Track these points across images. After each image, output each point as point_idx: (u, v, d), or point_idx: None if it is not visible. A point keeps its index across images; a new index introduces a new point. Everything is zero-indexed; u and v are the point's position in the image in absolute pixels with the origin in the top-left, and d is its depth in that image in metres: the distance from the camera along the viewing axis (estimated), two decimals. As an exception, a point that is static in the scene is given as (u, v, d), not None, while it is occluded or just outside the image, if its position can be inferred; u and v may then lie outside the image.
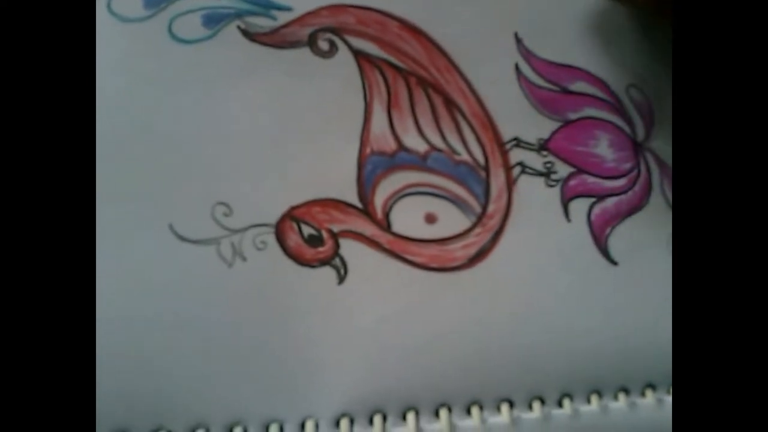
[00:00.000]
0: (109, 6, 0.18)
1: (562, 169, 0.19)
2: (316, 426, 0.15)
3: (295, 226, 0.17)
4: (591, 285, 0.18)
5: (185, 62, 0.18)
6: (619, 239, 0.19)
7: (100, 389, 0.14)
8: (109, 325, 0.15)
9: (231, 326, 0.16)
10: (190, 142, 0.17)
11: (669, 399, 0.17)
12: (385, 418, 0.16)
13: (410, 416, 0.16)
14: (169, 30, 0.18)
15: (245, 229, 0.17)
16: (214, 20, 0.19)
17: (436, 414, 0.16)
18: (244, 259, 0.16)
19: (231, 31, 0.19)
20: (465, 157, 0.19)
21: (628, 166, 0.20)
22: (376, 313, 0.17)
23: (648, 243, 0.19)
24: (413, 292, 0.17)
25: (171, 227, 0.16)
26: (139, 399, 0.15)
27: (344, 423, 0.15)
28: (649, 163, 0.20)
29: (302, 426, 0.15)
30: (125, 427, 0.14)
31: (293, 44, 0.19)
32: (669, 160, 0.21)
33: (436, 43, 0.20)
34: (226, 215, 0.17)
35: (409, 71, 0.19)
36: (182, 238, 0.16)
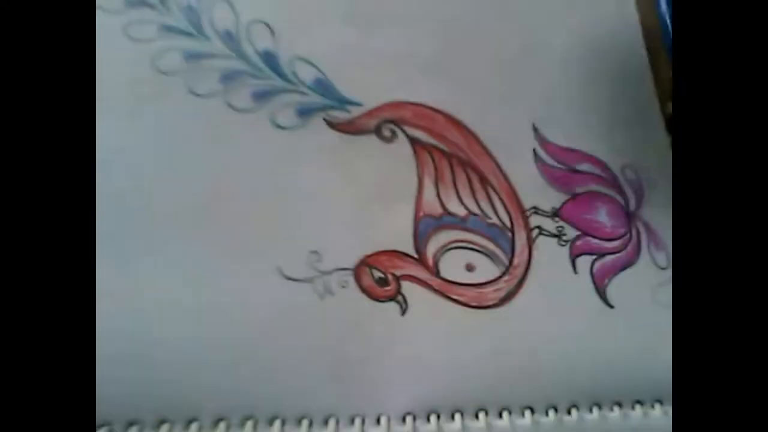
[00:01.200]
0: (226, 98, 0.24)
1: (571, 232, 0.25)
2: (388, 420, 0.20)
3: (368, 270, 0.22)
4: (592, 322, 0.23)
5: (285, 143, 0.24)
6: (614, 288, 0.24)
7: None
8: (232, 342, 0.20)
9: (323, 342, 0.21)
10: (291, 207, 0.23)
11: (654, 411, 0.22)
12: (438, 418, 0.21)
13: (457, 417, 0.21)
14: (271, 118, 0.24)
15: (332, 271, 0.22)
16: (305, 112, 0.25)
17: (476, 416, 0.21)
18: (332, 294, 0.22)
19: (318, 121, 0.25)
20: (495, 220, 0.24)
21: (622, 231, 0.26)
22: (430, 338, 0.22)
23: (637, 291, 0.24)
24: (457, 323, 0.22)
25: (280, 270, 0.22)
26: (261, 401, 0.20)
27: (409, 419, 0.20)
28: (639, 229, 0.26)
29: (377, 420, 0.20)
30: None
31: (364, 132, 0.25)
32: (656, 227, 0.26)
33: (473, 133, 0.26)
34: (317, 261, 0.22)
35: (451, 154, 0.25)
36: (288, 278, 0.21)
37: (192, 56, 0.24)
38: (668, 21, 0.32)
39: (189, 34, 0.24)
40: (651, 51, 0.30)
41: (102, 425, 0.19)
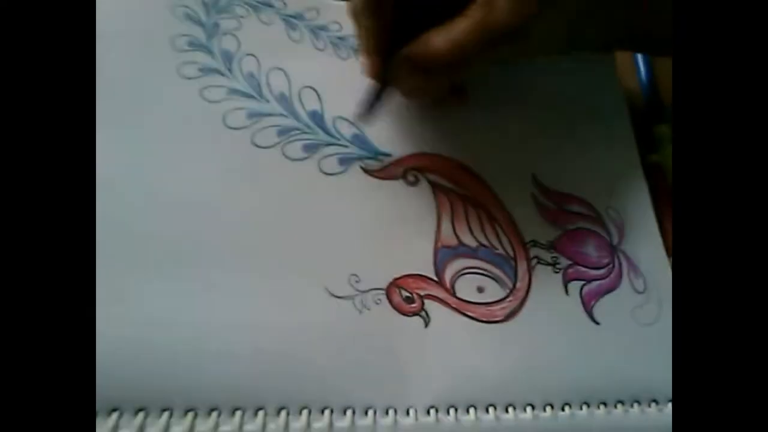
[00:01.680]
0: (282, 149, 0.29)
1: (564, 262, 0.30)
2: (416, 412, 0.25)
3: (397, 290, 0.27)
4: (581, 336, 0.28)
5: (330, 187, 0.29)
6: (600, 308, 0.29)
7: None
8: (281, 353, 0.25)
9: (362, 348, 0.26)
10: (334, 238, 0.28)
11: (633, 409, 0.27)
12: (456, 411, 0.25)
13: (471, 411, 0.25)
14: (318, 166, 0.30)
15: (368, 291, 0.27)
16: (345, 161, 0.30)
17: (487, 410, 0.26)
18: (368, 309, 0.27)
19: (356, 169, 0.30)
20: (501, 251, 0.29)
21: (606, 261, 0.31)
22: (448, 347, 0.27)
23: (619, 311, 0.29)
24: (471, 335, 0.27)
25: (327, 289, 0.27)
26: (310, 396, 0.24)
27: (432, 412, 0.25)
28: (620, 260, 0.31)
29: (407, 412, 0.25)
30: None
31: (393, 177, 0.30)
32: (635, 258, 0.31)
33: (482, 179, 0.31)
34: (356, 282, 0.27)
35: (464, 195, 0.30)
36: (333, 295, 0.26)
37: (254, 115, 0.30)
38: (647, 84, 0.38)
39: (251, 97, 0.30)
40: (633, 110, 0.36)
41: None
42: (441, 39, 0.26)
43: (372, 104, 0.28)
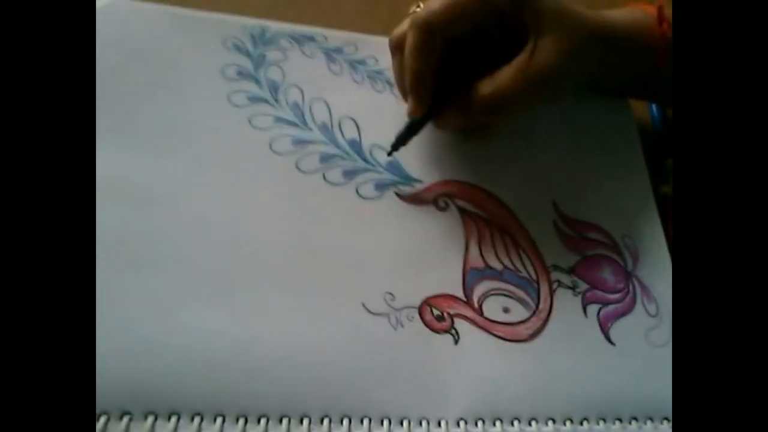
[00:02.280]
0: (324, 175, 0.32)
1: (582, 286, 0.32)
2: (447, 423, 0.27)
3: (428, 308, 0.30)
4: (598, 355, 0.30)
5: (367, 210, 0.31)
6: (616, 330, 0.31)
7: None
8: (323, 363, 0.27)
9: (397, 362, 0.28)
10: (371, 258, 0.30)
11: (647, 426, 0.29)
12: (483, 423, 0.27)
13: (497, 423, 0.27)
14: (356, 191, 0.32)
15: (402, 308, 0.29)
16: (381, 186, 0.32)
17: (512, 423, 0.28)
18: (402, 326, 0.29)
19: (390, 194, 0.32)
20: (525, 274, 0.32)
21: (622, 285, 0.33)
22: (477, 363, 0.29)
23: (633, 333, 0.31)
24: (497, 352, 0.29)
25: (364, 305, 0.29)
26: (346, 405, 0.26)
27: (462, 424, 0.27)
28: (635, 284, 0.33)
29: (438, 423, 0.27)
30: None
31: (424, 202, 0.32)
32: (648, 283, 0.33)
33: (507, 206, 0.33)
34: (391, 300, 0.29)
35: (490, 221, 0.33)
36: (370, 312, 0.29)
37: (298, 142, 0.32)
38: (659, 119, 0.40)
39: (295, 125, 0.32)
40: (645, 144, 0.38)
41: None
42: (487, 87, 0.29)
43: (408, 138, 0.31)
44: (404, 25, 0.30)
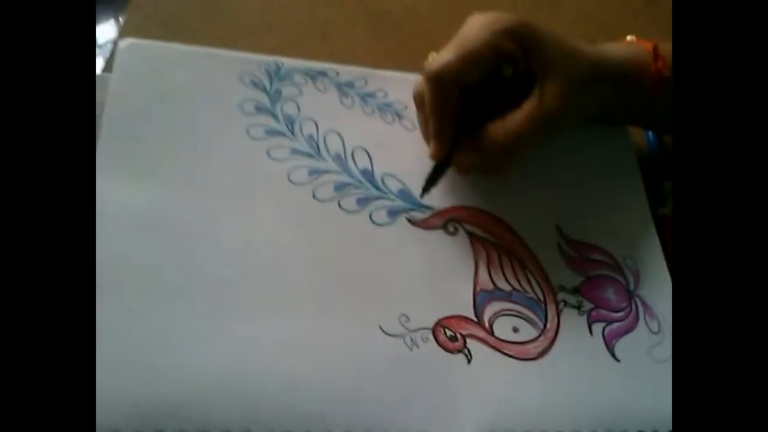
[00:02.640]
0: (339, 203, 0.33)
1: (587, 305, 0.34)
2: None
3: (442, 330, 0.31)
4: (604, 372, 0.32)
5: (380, 236, 0.33)
6: (620, 347, 0.33)
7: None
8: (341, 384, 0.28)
9: (413, 381, 0.29)
10: (386, 282, 0.31)
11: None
12: (497, 439, 0.29)
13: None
14: (370, 217, 0.33)
15: (417, 330, 0.31)
16: (393, 213, 0.34)
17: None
18: (417, 346, 0.30)
19: (402, 220, 0.34)
20: (532, 295, 0.33)
21: (624, 304, 0.34)
22: (489, 381, 0.30)
23: (637, 350, 0.33)
24: (508, 370, 0.30)
25: (381, 327, 0.30)
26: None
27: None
28: (637, 303, 0.35)
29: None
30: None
31: (435, 228, 0.34)
32: (650, 302, 0.35)
33: (514, 230, 0.35)
34: (406, 321, 0.31)
35: (498, 245, 0.34)
36: (387, 333, 0.30)
37: (314, 172, 0.34)
38: (655, 145, 0.42)
39: (311, 156, 0.34)
40: (643, 169, 0.40)
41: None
42: (500, 131, 0.32)
43: (436, 179, 0.33)
44: (421, 79, 0.33)
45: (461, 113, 0.32)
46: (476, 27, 0.31)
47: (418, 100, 0.34)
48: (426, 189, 0.34)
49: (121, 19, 1.53)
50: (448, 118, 0.32)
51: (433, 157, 0.33)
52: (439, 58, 0.31)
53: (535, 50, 0.31)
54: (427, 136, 0.35)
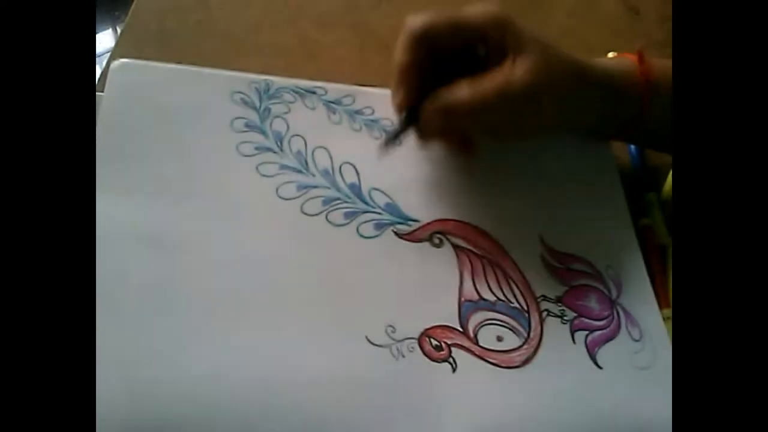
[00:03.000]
0: (327, 217, 0.34)
1: (570, 314, 0.34)
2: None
3: (427, 339, 0.32)
4: (587, 378, 0.32)
5: (368, 249, 0.34)
6: (602, 354, 0.33)
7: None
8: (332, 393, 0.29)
9: (399, 390, 0.30)
10: (373, 293, 0.32)
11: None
12: (482, 446, 0.29)
13: (496, 445, 0.29)
14: (357, 231, 0.34)
15: (402, 340, 0.31)
16: (380, 226, 0.35)
17: (508, 444, 0.30)
18: (403, 356, 0.31)
19: (389, 233, 0.35)
20: (516, 305, 0.34)
21: (606, 313, 0.35)
22: (474, 389, 0.31)
23: (619, 357, 0.33)
24: (492, 378, 0.31)
25: (367, 338, 0.31)
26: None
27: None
28: (619, 312, 0.35)
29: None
30: None
31: (420, 240, 0.35)
32: (631, 310, 0.36)
33: (497, 242, 0.36)
34: (392, 332, 0.31)
35: (483, 256, 0.35)
36: (373, 344, 0.31)
37: (302, 187, 0.35)
38: (637, 157, 0.43)
39: (299, 171, 0.35)
40: (624, 181, 0.41)
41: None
42: (467, 89, 0.32)
43: (396, 136, 0.34)
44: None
45: (430, 78, 0.33)
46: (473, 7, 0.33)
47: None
48: (387, 143, 0.34)
49: (118, 29, 1.55)
50: (413, 65, 0.32)
51: (396, 106, 0.34)
52: (421, 13, 0.32)
53: (512, 28, 0.32)
54: (396, 90, 0.34)
